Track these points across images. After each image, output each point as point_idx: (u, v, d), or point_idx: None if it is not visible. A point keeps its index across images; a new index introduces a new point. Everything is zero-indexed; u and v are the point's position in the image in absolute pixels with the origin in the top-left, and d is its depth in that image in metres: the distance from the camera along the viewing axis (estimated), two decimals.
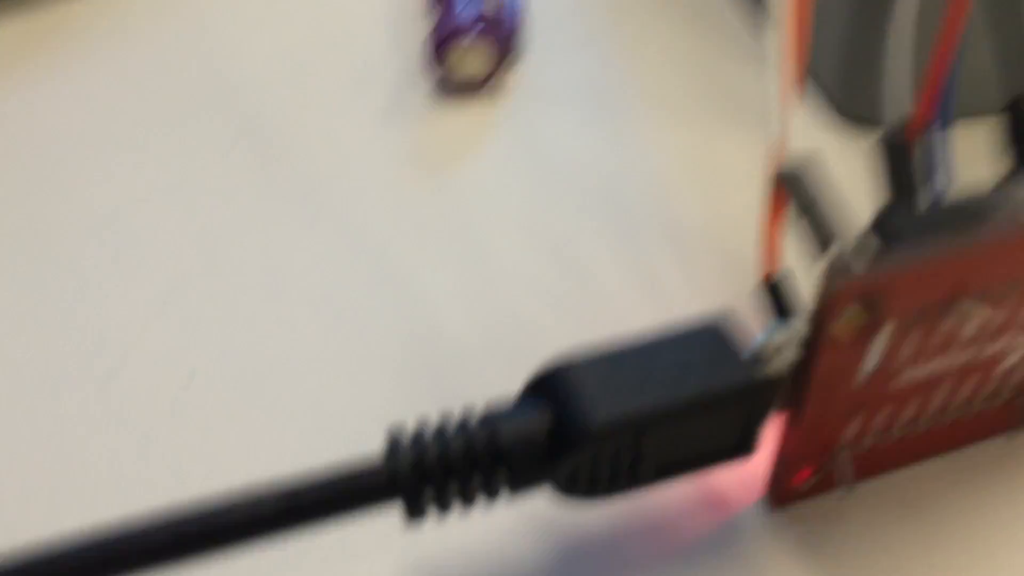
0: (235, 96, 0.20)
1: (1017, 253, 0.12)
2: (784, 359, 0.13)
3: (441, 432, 0.12)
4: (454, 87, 0.21)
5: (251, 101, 0.20)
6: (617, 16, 0.22)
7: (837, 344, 0.12)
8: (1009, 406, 0.15)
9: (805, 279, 0.13)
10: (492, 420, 0.12)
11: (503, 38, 0.21)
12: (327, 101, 0.21)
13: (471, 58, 0.21)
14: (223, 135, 0.20)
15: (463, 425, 0.12)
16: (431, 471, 0.12)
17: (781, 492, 0.14)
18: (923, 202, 0.14)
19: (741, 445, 0.13)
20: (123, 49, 0.21)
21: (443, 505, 0.12)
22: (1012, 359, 0.14)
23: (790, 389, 0.13)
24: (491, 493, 0.12)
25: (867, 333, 0.12)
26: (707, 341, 0.13)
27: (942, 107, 0.14)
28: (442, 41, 0.20)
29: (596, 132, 0.20)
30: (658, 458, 0.13)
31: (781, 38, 0.13)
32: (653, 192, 0.18)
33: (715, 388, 0.12)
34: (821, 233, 0.13)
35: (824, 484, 0.14)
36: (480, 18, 0.20)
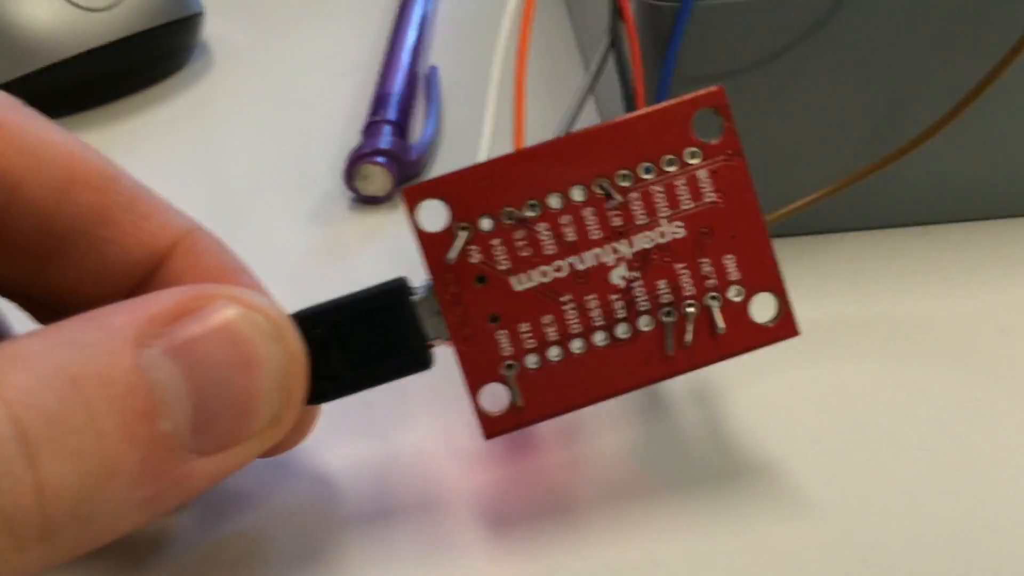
0: (217, 188, 0.30)
1: (563, 157, 0.17)
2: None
3: None
4: (363, 199, 0.28)
5: (223, 195, 0.29)
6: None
7: (426, 235, 0.17)
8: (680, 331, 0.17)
9: None
10: None
11: (404, 165, 0.28)
12: (273, 201, 0.29)
13: (372, 180, 0.27)
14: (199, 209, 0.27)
15: None
16: None
17: (485, 420, 0.18)
18: None
19: (417, 357, 0.17)
20: (157, 147, 0.32)
21: None
22: (619, 271, 0.17)
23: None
24: None
25: (449, 230, 0.17)
26: (391, 285, 0.18)
27: None
28: (350, 165, 0.27)
29: None
30: (346, 355, 0.17)
31: None
32: None
33: (362, 295, 0.17)
34: None
35: (524, 413, 0.18)
36: (380, 151, 0.27)
